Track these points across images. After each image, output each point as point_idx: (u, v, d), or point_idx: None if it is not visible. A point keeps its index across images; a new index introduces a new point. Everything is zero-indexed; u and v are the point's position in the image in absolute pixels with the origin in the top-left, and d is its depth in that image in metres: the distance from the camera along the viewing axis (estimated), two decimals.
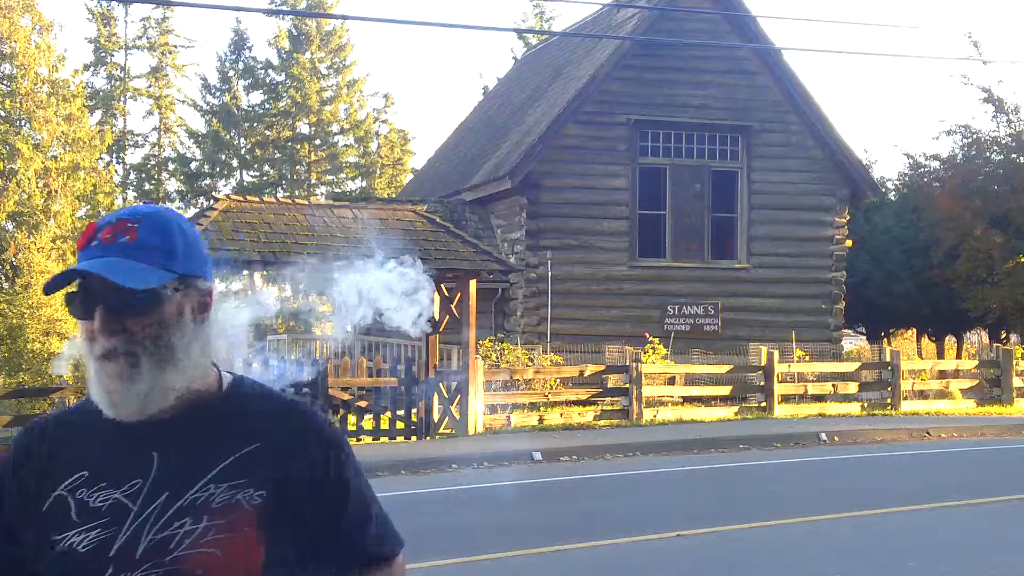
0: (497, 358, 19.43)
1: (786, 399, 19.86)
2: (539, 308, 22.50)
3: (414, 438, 16.41)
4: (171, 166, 49.14)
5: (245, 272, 14.76)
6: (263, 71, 49.04)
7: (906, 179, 32.16)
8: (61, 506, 1.78)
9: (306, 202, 18.64)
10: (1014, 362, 21.39)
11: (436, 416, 16.75)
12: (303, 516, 1.81)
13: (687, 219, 23.55)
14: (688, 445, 15.63)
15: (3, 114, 33.72)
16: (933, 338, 34.23)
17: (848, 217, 24.57)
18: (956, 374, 22.94)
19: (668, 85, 23.25)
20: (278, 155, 49.41)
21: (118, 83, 48.02)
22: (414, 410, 16.48)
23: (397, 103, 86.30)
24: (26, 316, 28.32)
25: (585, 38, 25.94)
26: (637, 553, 8.66)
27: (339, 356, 17.72)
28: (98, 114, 46.87)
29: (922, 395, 21.02)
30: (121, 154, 48.41)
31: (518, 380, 18.16)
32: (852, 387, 20.63)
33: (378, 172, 50.33)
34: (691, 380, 19.89)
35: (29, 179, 32.92)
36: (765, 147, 23.82)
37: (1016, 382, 21.29)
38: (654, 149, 23.40)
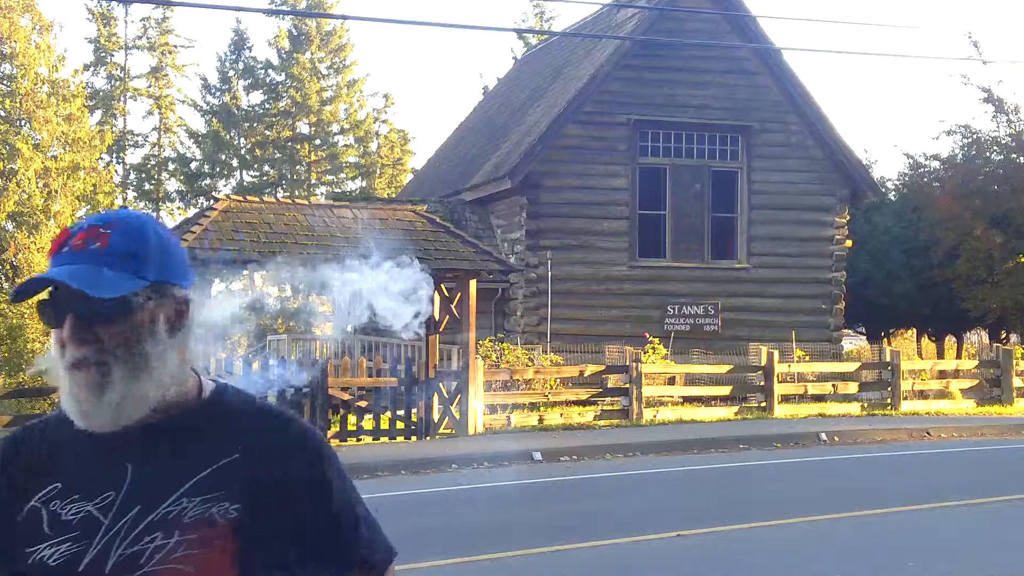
0: (497, 358, 19.43)
1: (786, 399, 19.86)
2: (539, 308, 22.51)
3: (414, 438, 16.41)
4: (171, 166, 49.14)
5: (245, 272, 14.75)
6: (263, 71, 49.04)
7: (906, 179, 32.17)
8: (34, 518, 1.73)
9: (306, 202, 18.65)
10: (1014, 362, 21.40)
11: (436, 416, 16.75)
12: (286, 527, 1.76)
13: (687, 219, 23.56)
14: (688, 445, 15.63)
15: (3, 114, 33.68)
16: (933, 338, 34.23)
17: (848, 217, 24.59)
18: (956, 374, 22.94)
19: (668, 85, 23.26)
20: (278, 155, 49.41)
21: (118, 83, 48.02)
22: (414, 410, 16.47)
23: (397, 103, 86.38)
24: (26, 316, 28.31)
25: (585, 38, 25.95)
26: (637, 553, 8.66)
27: (339, 356, 17.74)
28: (98, 114, 46.85)
29: (922, 395, 21.02)
30: (121, 154, 48.39)
31: (518, 380, 18.16)
32: (852, 387, 20.63)
33: (378, 172, 50.32)
34: (691, 380, 19.90)
35: (29, 179, 32.87)
36: (765, 147, 23.82)
37: (1016, 382, 21.29)
38: (654, 149, 23.41)
